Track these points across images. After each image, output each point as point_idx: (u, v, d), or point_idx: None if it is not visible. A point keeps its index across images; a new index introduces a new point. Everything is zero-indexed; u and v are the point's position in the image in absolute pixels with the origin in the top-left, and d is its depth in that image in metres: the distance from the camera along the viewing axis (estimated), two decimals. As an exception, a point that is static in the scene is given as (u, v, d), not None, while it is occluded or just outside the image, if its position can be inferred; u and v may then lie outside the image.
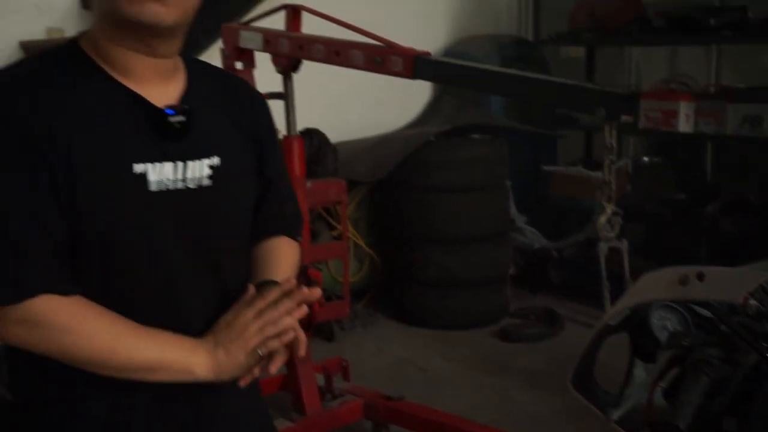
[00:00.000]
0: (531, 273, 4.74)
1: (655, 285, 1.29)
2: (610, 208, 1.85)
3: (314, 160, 3.77)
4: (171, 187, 1.17)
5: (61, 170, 1.09)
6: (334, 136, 4.06)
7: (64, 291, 1.12)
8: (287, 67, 2.73)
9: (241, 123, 1.31)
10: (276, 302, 1.19)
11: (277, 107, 2.79)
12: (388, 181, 4.20)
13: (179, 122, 1.18)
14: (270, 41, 2.63)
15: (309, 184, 3.27)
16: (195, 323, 1.21)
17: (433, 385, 3.61)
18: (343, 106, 4.59)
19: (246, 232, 1.32)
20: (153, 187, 1.16)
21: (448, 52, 5.06)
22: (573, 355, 3.95)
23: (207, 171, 1.21)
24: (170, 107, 1.18)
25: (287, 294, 1.20)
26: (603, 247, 4.15)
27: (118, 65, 1.17)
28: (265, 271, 1.31)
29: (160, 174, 1.16)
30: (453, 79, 2.38)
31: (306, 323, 2.80)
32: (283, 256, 1.38)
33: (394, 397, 3.02)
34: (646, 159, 5.07)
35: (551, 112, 4.90)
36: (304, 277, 2.79)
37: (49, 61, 1.17)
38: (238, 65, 2.91)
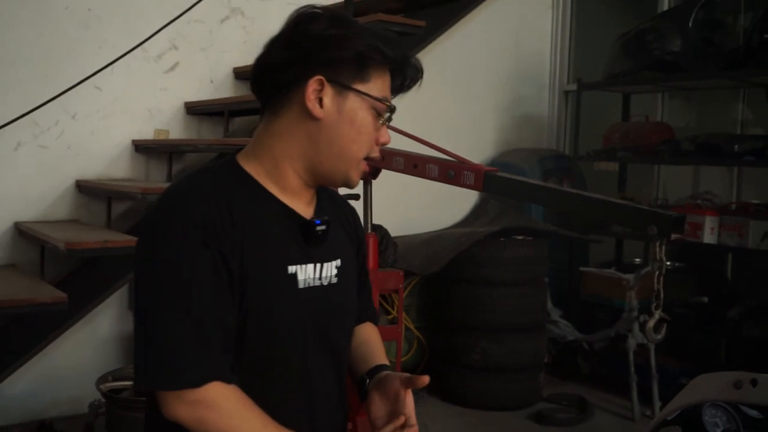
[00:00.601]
0: (563, 362, 4.75)
1: (711, 386, 1.35)
2: (658, 314, 1.90)
3: (378, 252, 3.87)
4: (311, 284, 1.31)
5: (236, 268, 1.20)
6: (392, 231, 4.18)
7: (230, 380, 1.20)
8: (368, 174, 2.86)
9: (348, 231, 1.47)
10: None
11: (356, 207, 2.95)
12: (439, 273, 4.27)
13: (322, 231, 1.32)
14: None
15: (373, 273, 3.38)
16: (318, 398, 1.33)
17: (474, 462, 3.61)
18: (401, 206, 4.73)
19: (354, 317, 1.47)
20: (300, 285, 1.29)
21: (495, 161, 5.21)
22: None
23: (334, 271, 1.35)
24: (317, 220, 1.33)
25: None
26: (631, 343, 4.19)
27: (285, 187, 1.31)
28: (370, 354, 1.48)
29: (305, 273, 1.30)
30: (517, 195, 2.49)
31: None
32: (376, 340, 1.57)
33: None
34: (669, 264, 5.09)
35: (585, 218, 4.98)
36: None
37: (222, 177, 1.29)
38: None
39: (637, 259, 5.12)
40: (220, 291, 1.19)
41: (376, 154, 1.35)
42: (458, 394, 4.29)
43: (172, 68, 4.03)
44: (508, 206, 4.96)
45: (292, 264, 1.28)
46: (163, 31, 3.75)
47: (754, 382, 1.28)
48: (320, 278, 1.32)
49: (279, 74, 1.27)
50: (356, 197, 3.00)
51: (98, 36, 3.77)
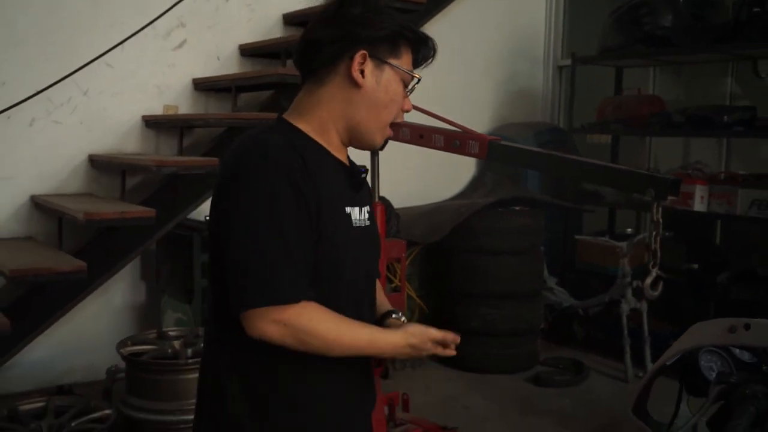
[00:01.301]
0: (559, 328, 4.86)
1: (707, 332, 1.44)
2: (655, 272, 1.98)
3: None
4: (358, 224, 1.50)
5: (314, 209, 1.38)
6: (394, 202, 4.24)
7: (310, 298, 1.38)
8: (376, 145, 2.92)
9: (368, 192, 1.65)
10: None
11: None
12: (440, 242, 4.36)
13: (363, 177, 1.55)
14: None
15: (379, 242, 3.45)
16: (367, 318, 1.52)
17: (475, 421, 3.71)
18: (403, 178, 4.79)
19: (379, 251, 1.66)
20: (354, 224, 1.48)
21: (492, 135, 5.26)
22: (597, 400, 4.07)
23: (366, 215, 1.55)
24: (362, 167, 1.56)
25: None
26: (624, 308, 4.30)
27: (330, 143, 1.50)
28: (380, 298, 1.67)
29: (354, 214, 1.49)
30: (520, 161, 2.57)
31: (377, 359, 2.97)
32: (380, 289, 1.71)
33: (449, 427, 3.13)
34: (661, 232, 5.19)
35: (580, 190, 5.06)
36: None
37: (292, 137, 1.45)
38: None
39: (629, 229, 5.21)
40: (303, 225, 1.37)
41: (400, 118, 1.55)
42: (459, 358, 4.30)
43: (180, 45, 4.07)
44: (504, 178, 5.03)
45: (347, 206, 1.47)
46: (171, 9, 3.79)
47: (747, 327, 1.37)
48: (360, 219, 1.51)
49: (326, 49, 1.45)
50: (365, 170, 3.08)
51: (109, 14, 3.79)
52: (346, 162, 1.54)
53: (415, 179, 4.95)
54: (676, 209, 4.27)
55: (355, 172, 1.53)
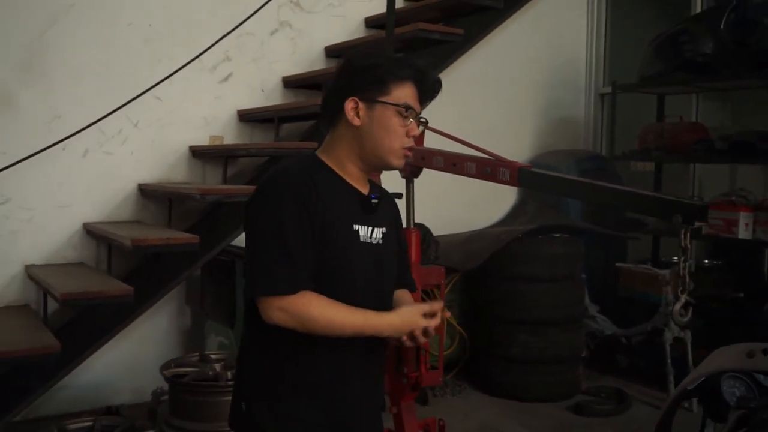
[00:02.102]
0: (601, 356, 4.80)
1: (726, 357, 1.44)
2: (684, 298, 1.98)
3: (420, 249, 3.97)
4: (366, 241, 1.79)
5: (319, 222, 1.69)
6: (434, 230, 4.29)
7: (310, 288, 1.68)
8: (410, 173, 2.98)
9: (389, 214, 1.94)
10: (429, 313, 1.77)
11: (398, 205, 3.07)
12: (480, 269, 4.37)
13: (375, 203, 1.83)
14: (398, 152, 2.90)
15: (416, 269, 3.49)
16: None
17: (514, 449, 3.70)
18: (444, 206, 4.83)
19: (395, 274, 1.92)
20: (361, 239, 1.77)
21: (533, 162, 5.26)
22: (639, 430, 3.99)
23: (380, 235, 1.82)
24: (373, 195, 1.84)
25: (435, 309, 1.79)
26: (668, 336, 4.23)
27: (347, 173, 1.82)
28: (398, 303, 1.91)
29: (363, 231, 1.78)
30: (550, 187, 2.59)
31: (413, 384, 3.00)
32: (408, 299, 1.98)
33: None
34: (707, 262, 5.11)
35: (623, 217, 5.02)
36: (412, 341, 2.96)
37: (308, 164, 1.79)
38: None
39: (675, 258, 5.13)
40: (304, 233, 1.67)
41: (408, 142, 1.81)
42: (499, 385, 4.38)
43: (226, 78, 4.22)
44: (545, 205, 5.03)
45: (355, 223, 1.76)
46: (217, 43, 3.94)
47: (765, 352, 1.36)
48: (371, 238, 1.79)
49: (332, 100, 1.81)
50: (399, 196, 3.13)
51: (158, 50, 3.97)
52: (363, 188, 1.85)
53: (456, 207, 4.99)
54: (720, 237, 4.20)
55: (366, 197, 1.83)
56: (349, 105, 1.76)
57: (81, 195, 3.83)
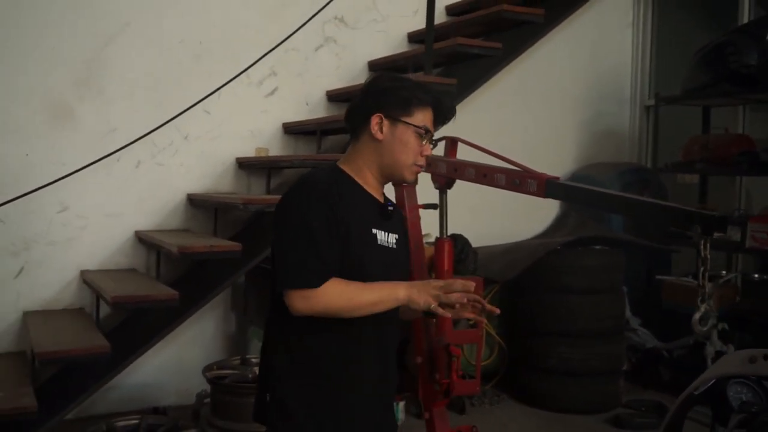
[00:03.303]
0: (643, 369, 4.76)
1: (730, 362, 1.48)
2: (703, 307, 2.01)
3: (458, 260, 4.02)
4: (383, 245, 1.95)
5: (343, 225, 1.85)
6: (474, 241, 4.32)
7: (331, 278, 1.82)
8: (444, 185, 3.06)
9: (400, 223, 2.12)
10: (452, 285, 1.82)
11: (432, 215, 3.16)
12: (520, 280, 4.41)
13: (390, 211, 2.01)
14: (431, 164, 2.99)
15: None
16: (387, 333, 1.98)
17: (550, 460, 3.71)
18: (483, 218, 4.90)
19: (407, 271, 2.09)
20: (378, 242, 1.94)
21: (575, 175, 5.30)
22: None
23: (394, 240, 2.00)
24: (389, 202, 2.03)
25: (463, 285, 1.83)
26: (710, 350, 4.18)
27: (366, 183, 1.99)
28: None
29: (381, 236, 1.95)
30: (576, 199, 2.64)
31: (444, 391, 3.07)
32: None
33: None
34: (756, 276, 5.02)
35: (666, 229, 4.98)
36: (446, 352, 3.04)
37: (332, 174, 1.96)
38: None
39: (723, 272, 5.07)
40: (331, 234, 1.82)
41: (421, 162, 1.99)
42: (537, 397, 4.40)
43: (272, 93, 4.38)
44: (586, 218, 5.04)
45: (374, 228, 1.93)
46: (263, 59, 4.10)
47: (766, 357, 1.40)
48: (387, 242, 1.96)
49: (357, 113, 1.98)
50: (434, 207, 3.22)
51: (208, 65, 4.15)
52: (380, 197, 2.03)
53: (498, 218, 5.04)
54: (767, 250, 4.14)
55: (382, 205, 2.01)
56: (374, 120, 1.93)
57: (133, 204, 4.02)
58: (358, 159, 1.99)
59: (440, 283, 1.82)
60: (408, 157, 1.96)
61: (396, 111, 1.94)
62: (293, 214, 1.86)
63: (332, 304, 1.80)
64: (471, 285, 1.81)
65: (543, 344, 4.39)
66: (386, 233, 1.97)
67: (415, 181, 3.27)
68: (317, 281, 1.79)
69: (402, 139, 1.94)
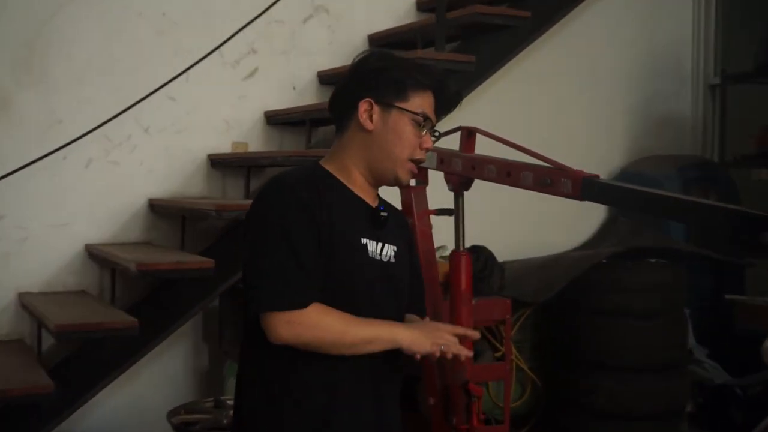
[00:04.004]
0: (711, 411, 4.74)
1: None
2: (775, 334, 2.00)
3: (480, 277, 4.03)
4: (376, 257, 1.96)
5: (326, 234, 1.86)
6: (501, 254, 4.34)
7: (318, 300, 1.84)
8: (459, 185, 3.06)
9: (402, 232, 2.14)
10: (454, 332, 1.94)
11: (447, 223, 3.16)
12: (556, 302, 4.41)
13: (384, 217, 1.99)
14: (444, 160, 2.99)
15: (473, 301, 3.55)
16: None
17: None
18: (513, 225, 4.89)
19: (406, 293, 2.10)
20: (369, 254, 1.95)
21: (625, 171, 5.29)
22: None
23: (392, 253, 2.01)
24: (381, 206, 2.02)
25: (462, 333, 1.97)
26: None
27: (354, 183, 1.99)
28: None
29: (372, 246, 1.95)
30: (620, 202, 2.63)
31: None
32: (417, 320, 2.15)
33: None
34: None
35: (739, 238, 4.95)
36: (465, 391, 3.04)
37: (312, 174, 1.97)
38: (412, 182, 3.30)
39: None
40: (312, 241, 1.84)
41: (420, 156, 1.99)
42: (582, 443, 4.40)
43: (251, 74, 4.40)
44: (641, 224, 5.02)
45: (363, 237, 1.94)
46: (241, 34, 4.13)
47: None
48: (381, 255, 1.97)
49: (342, 99, 1.99)
50: (449, 212, 3.22)
51: (173, 42, 4.17)
52: (372, 201, 2.03)
53: (531, 226, 5.05)
54: None
55: (374, 210, 2.01)
56: (362, 107, 1.94)
57: (83, 212, 4.04)
58: (343, 155, 1.99)
59: (447, 327, 1.95)
60: (403, 150, 1.96)
61: (388, 95, 1.94)
62: (267, 221, 1.86)
63: (323, 336, 1.82)
64: (477, 335, 1.99)
65: (587, 380, 4.38)
66: (379, 243, 1.97)
67: (424, 182, 3.30)
68: (303, 300, 1.80)
69: (396, 129, 1.95)
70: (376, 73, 1.96)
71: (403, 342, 1.86)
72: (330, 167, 2.00)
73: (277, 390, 1.88)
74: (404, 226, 2.20)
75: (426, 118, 1.96)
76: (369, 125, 1.94)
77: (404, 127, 1.95)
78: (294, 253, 1.81)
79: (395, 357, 1.95)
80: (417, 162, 1.99)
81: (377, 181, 2.02)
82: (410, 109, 1.94)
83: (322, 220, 1.85)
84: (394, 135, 1.94)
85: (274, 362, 1.87)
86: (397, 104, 1.94)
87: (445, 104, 2.03)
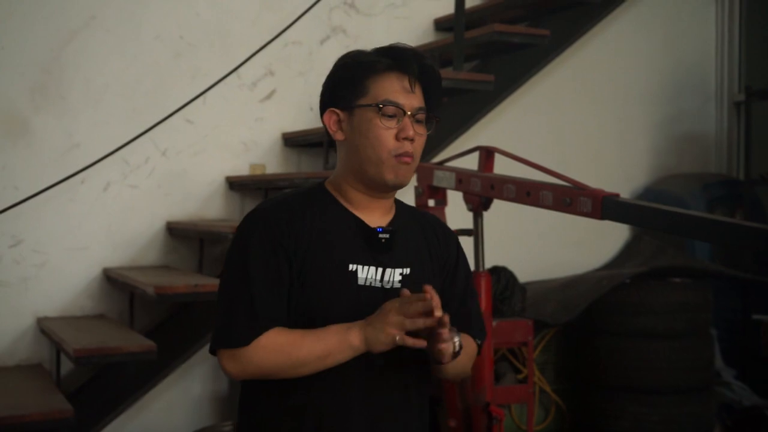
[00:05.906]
0: (740, 434, 4.72)
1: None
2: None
3: (501, 298, 4.05)
4: (372, 284, 1.83)
5: (298, 262, 1.79)
6: (523, 275, 4.35)
7: (279, 325, 1.78)
8: (478, 205, 3.09)
9: (432, 249, 1.97)
10: (413, 303, 1.70)
11: (466, 243, 3.18)
12: (580, 324, 4.42)
13: (384, 238, 1.86)
14: (463, 180, 3.03)
15: (494, 323, 3.57)
16: (377, 403, 1.83)
17: None
18: (534, 245, 4.91)
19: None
20: (360, 282, 1.82)
21: (648, 190, 5.30)
22: None
23: (398, 277, 1.86)
24: (379, 227, 1.87)
25: (421, 300, 1.70)
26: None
27: (351, 201, 1.89)
28: None
29: (366, 273, 1.83)
30: (641, 221, 2.65)
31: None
32: (468, 344, 1.93)
33: None
34: None
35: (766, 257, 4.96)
36: (486, 413, 3.05)
37: (305, 196, 1.90)
38: (431, 203, 3.34)
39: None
40: (272, 272, 1.77)
41: (406, 148, 1.82)
42: (607, 468, 4.38)
43: (269, 96, 4.46)
44: (666, 243, 5.03)
45: (353, 263, 1.82)
46: (258, 55, 4.18)
47: None
48: (381, 281, 1.84)
49: (322, 120, 1.91)
50: (468, 233, 3.25)
51: (190, 65, 4.24)
52: (378, 218, 1.90)
53: (553, 246, 5.07)
54: None
55: (371, 230, 1.87)
56: (328, 119, 1.87)
57: (101, 235, 4.10)
58: (336, 173, 1.92)
59: (395, 304, 1.71)
60: (377, 149, 1.81)
61: (347, 96, 1.84)
62: (232, 254, 1.84)
63: (266, 363, 1.75)
64: (425, 295, 1.69)
65: (612, 403, 4.38)
66: (378, 269, 1.83)
67: (444, 202, 3.33)
68: (245, 338, 1.74)
69: (361, 129, 1.82)
70: (331, 80, 1.89)
71: (360, 345, 1.72)
72: (329, 186, 1.91)
73: (265, 414, 1.85)
74: (437, 237, 1.99)
75: (386, 103, 1.79)
76: (339, 135, 1.85)
77: (369, 122, 1.80)
78: (248, 286, 1.76)
79: (397, 369, 1.83)
80: (402, 155, 1.81)
81: (372, 190, 1.87)
82: (369, 102, 1.80)
83: (296, 247, 1.78)
84: (361, 136, 1.81)
85: (262, 386, 1.83)
86: (358, 102, 1.81)
87: (420, 77, 1.84)
